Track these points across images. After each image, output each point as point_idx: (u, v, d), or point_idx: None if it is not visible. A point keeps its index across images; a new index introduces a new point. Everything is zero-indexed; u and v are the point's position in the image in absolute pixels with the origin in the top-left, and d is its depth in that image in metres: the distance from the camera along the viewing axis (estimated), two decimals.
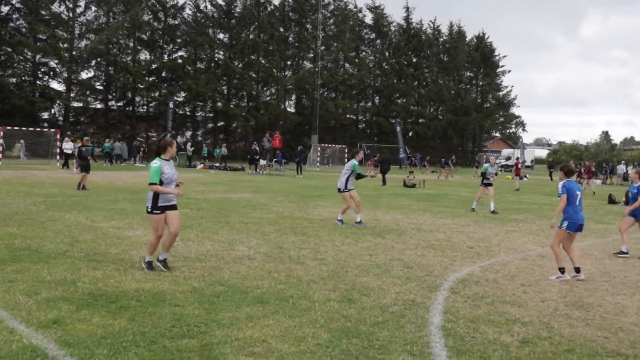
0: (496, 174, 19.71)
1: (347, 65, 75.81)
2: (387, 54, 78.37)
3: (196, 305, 6.52)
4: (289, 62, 72.60)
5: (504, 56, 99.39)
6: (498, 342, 5.78)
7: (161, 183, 7.93)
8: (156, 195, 7.96)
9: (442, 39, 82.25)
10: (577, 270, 8.99)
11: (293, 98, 72.82)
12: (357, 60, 75.71)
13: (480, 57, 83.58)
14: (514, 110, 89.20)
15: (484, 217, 17.14)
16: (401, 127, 64.59)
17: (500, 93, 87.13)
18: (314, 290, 7.48)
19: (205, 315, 6.15)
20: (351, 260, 9.59)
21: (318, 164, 51.87)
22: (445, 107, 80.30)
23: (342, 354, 5.25)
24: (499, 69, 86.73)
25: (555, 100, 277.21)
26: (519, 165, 38.99)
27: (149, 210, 8.01)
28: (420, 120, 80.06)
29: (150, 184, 7.91)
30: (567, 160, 62.50)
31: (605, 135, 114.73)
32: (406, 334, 5.89)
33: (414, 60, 79.04)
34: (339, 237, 11.78)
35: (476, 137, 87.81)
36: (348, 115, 76.37)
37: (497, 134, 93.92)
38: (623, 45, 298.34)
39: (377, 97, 79.17)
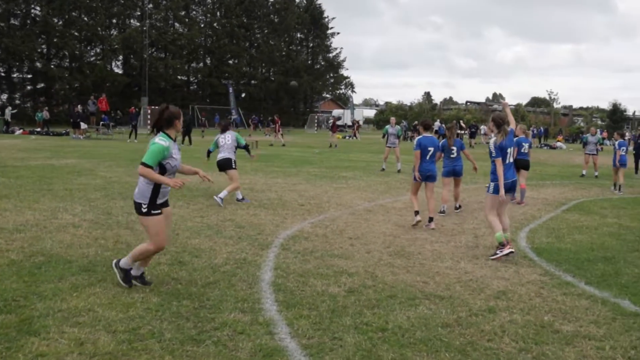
0: (399, 136, 21.18)
1: (176, 24, 73.44)
2: (218, 14, 76.90)
3: (14, 279, 6.09)
4: (114, 20, 68.73)
5: (333, 18, 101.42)
6: (326, 293, 6.01)
7: (163, 172, 5.86)
8: (156, 188, 5.84)
9: (272, 0, 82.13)
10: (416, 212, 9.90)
11: (120, 58, 69.40)
12: (187, 19, 73.51)
13: (310, 18, 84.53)
14: (343, 72, 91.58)
15: (314, 175, 17.59)
16: (233, 88, 64.08)
17: (330, 55, 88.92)
18: None
19: (25, 289, 5.77)
20: (182, 222, 9.45)
21: (149, 127, 49.90)
22: (277, 68, 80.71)
23: (172, 316, 5.19)
24: (329, 31, 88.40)
25: (380, 63, 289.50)
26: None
27: (145, 210, 5.83)
28: (253, 82, 79.89)
29: (145, 165, 5.67)
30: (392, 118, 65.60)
31: (427, 95, 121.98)
32: (237, 292, 5.94)
33: (245, 21, 78.25)
34: (171, 201, 11.50)
35: (307, 98, 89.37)
36: (179, 77, 74.31)
37: (328, 95, 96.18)
38: (438, 12, 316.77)
39: (209, 58, 77.66)
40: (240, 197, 11.97)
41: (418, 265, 7.28)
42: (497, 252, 7.75)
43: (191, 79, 78.46)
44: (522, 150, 12.88)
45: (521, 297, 6.11)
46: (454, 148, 11.63)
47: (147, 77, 61.38)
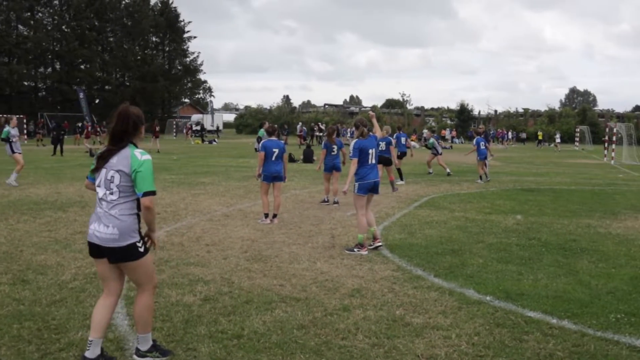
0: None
1: (20, 27, 69.00)
2: (67, 16, 73.05)
3: None
4: None
5: (189, 22, 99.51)
6: (181, 303, 5.85)
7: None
8: (139, 218, 4.41)
9: (124, 2, 79.35)
10: (266, 215, 10.66)
11: None
12: (32, 22, 69.25)
13: (166, 22, 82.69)
14: (201, 76, 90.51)
15: (172, 182, 17.18)
16: (85, 94, 61.24)
17: (187, 59, 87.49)
18: None
19: None
20: (27, 238, 8.85)
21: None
22: (132, 73, 78.13)
23: (12, 341, 4.83)
24: (185, 35, 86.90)
25: (237, 67, 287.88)
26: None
27: (142, 249, 4.35)
28: (107, 87, 76.80)
29: (152, 194, 4.29)
30: (265, 122, 65.72)
31: (287, 99, 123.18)
32: (86, 308, 5.63)
33: (97, 24, 74.97)
34: (15, 215, 10.79)
35: (165, 103, 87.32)
36: (25, 82, 69.75)
37: (187, 100, 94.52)
38: (291, 16, 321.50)
39: (59, 63, 73.68)
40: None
41: (275, 269, 7.28)
42: (355, 249, 8.13)
43: (39, 85, 74.01)
44: (380, 148, 13.82)
45: (374, 294, 6.27)
46: (335, 146, 13.24)
47: None
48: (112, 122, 4.45)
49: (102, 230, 4.26)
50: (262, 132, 20.02)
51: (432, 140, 22.10)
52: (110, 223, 4.24)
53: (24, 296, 6.03)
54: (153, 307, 4.66)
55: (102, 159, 4.35)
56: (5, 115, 53.01)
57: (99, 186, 4.36)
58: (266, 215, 10.64)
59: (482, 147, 18.96)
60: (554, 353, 4.72)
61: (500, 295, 6.24)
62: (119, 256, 4.28)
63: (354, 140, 8.40)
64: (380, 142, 14.23)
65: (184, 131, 61.06)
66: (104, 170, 4.32)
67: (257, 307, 5.75)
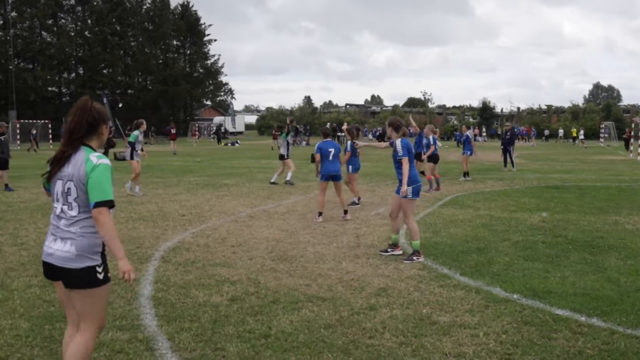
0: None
1: (44, 33, 69.91)
2: (89, 22, 73.85)
3: None
4: None
5: (210, 25, 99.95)
6: (208, 303, 5.89)
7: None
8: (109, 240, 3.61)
9: (145, 7, 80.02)
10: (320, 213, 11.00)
11: None
12: (55, 28, 70.16)
13: (186, 25, 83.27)
14: (222, 79, 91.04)
15: (196, 184, 17.31)
16: (108, 98, 61.90)
17: (208, 62, 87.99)
18: (13, 278, 6.85)
19: None
20: None
21: (18, 142, 47.05)
22: (154, 77, 78.75)
23: (44, 341, 4.91)
24: (206, 38, 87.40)
25: (257, 69, 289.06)
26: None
27: (102, 275, 3.67)
28: (129, 91, 77.49)
29: (110, 205, 3.56)
30: (279, 124, 65.89)
31: (308, 99, 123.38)
32: (115, 309, 5.70)
33: (119, 28, 75.72)
34: (42, 219, 10.94)
35: (187, 106, 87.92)
36: (50, 88, 70.66)
37: (208, 102, 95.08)
38: (308, 17, 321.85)
39: (82, 68, 74.47)
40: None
41: (300, 269, 7.30)
42: (414, 257, 7.70)
43: (63, 91, 74.91)
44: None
45: (401, 293, 6.27)
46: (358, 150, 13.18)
47: (15, 89, 57.95)
48: (69, 118, 3.72)
49: (57, 247, 3.60)
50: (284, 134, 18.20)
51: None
52: (69, 240, 3.57)
53: (54, 298, 6.10)
54: (90, 352, 3.73)
55: (55, 164, 3.66)
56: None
57: (56, 200, 3.66)
58: (320, 214, 10.96)
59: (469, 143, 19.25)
60: (583, 351, 4.68)
61: (527, 293, 6.20)
62: (72, 280, 3.58)
63: (400, 140, 7.99)
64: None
65: (190, 133, 61.69)
66: (59, 182, 3.63)
67: (283, 307, 5.77)
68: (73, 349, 3.65)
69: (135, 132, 14.83)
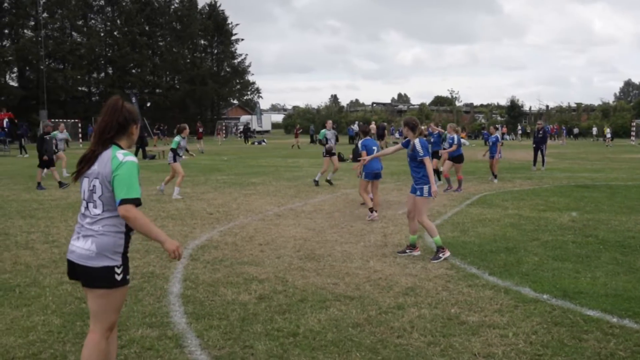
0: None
1: (74, 34, 70.89)
2: (118, 22, 74.73)
3: None
4: (6, 31, 65.56)
5: (237, 24, 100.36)
6: (236, 301, 5.93)
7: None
8: (128, 236, 3.71)
9: (174, 7, 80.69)
10: (371, 210, 10.95)
11: (15, 71, 66.19)
12: (85, 29, 71.12)
13: (214, 25, 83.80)
14: (249, 78, 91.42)
15: (223, 183, 17.42)
16: (137, 97, 62.50)
17: (235, 61, 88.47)
18: (45, 275, 6.96)
19: None
20: None
21: (80, 141, 47.44)
22: (182, 76, 79.40)
23: (76, 338, 4.98)
24: (233, 37, 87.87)
25: (283, 68, 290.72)
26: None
27: (121, 277, 3.59)
28: (157, 91, 78.23)
29: (136, 202, 3.51)
30: (300, 123, 66.04)
31: (334, 98, 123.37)
32: (145, 306, 5.76)
33: (147, 28, 76.48)
34: (73, 217, 11.10)
35: (214, 105, 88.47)
36: (80, 88, 71.66)
37: (235, 102, 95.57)
38: (333, 16, 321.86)
39: (111, 68, 75.35)
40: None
41: (328, 267, 7.31)
42: (440, 255, 7.69)
43: (93, 90, 75.83)
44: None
45: (429, 292, 6.24)
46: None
47: (46, 89, 58.84)
48: (100, 118, 3.74)
49: (79, 244, 3.56)
50: (323, 132, 17.28)
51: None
52: (90, 237, 3.53)
53: (84, 295, 6.19)
54: (105, 354, 3.64)
55: (83, 163, 3.63)
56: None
57: (83, 199, 3.64)
58: (371, 210, 10.93)
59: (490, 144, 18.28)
60: (615, 353, 4.62)
61: (557, 293, 6.14)
62: (89, 279, 3.55)
63: (419, 139, 7.90)
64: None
65: (216, 132, 62.31)
66: (85, 180, 3.61)
67: (311, 306, 5.79)
68: (88, 351, 3.61)
69: (177, 138, 14.46)
